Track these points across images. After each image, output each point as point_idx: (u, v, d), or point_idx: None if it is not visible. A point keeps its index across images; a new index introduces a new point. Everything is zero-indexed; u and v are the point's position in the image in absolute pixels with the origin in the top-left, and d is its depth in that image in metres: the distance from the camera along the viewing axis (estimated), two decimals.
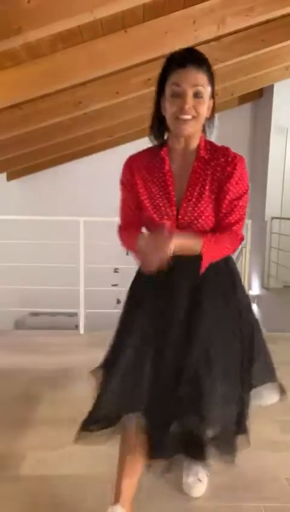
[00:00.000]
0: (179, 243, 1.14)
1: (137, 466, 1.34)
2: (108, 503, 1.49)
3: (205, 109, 1.21)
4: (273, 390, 1.40)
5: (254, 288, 5.98)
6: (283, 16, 3.01)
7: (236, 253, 3.84)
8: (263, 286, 5.75)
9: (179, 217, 1.26)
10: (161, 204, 1.27)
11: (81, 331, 3.47)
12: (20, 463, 1.71)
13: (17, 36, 1.94)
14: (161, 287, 1.32)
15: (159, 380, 1.27)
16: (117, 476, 1.36)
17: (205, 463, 1.28)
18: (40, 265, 4.45)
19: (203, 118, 1.22)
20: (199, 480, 1.55)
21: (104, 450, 1.79)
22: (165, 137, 1.32)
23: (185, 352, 1.26)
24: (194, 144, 1.27)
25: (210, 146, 1.29)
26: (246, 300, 1.40)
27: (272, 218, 5.55)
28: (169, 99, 1.19)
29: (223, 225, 1.26)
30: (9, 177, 5.95)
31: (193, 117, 1.18)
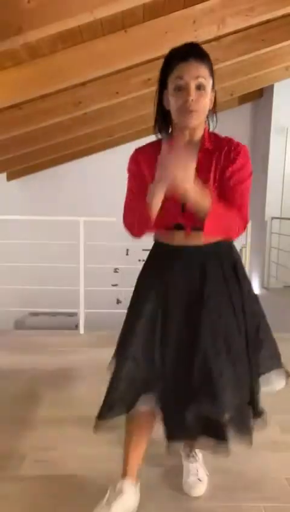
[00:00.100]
0: (196, 188, 1.15)
1: (143, 441, 1.46)
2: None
3: (207, 101, 1.25)
4: (280, 376, 1.43)
5: (254, 288, 5.99)
6: (283, 16, 3.01)
7: None
8: (263, 286, 5.75)
9: (186, 207, 1.28)
10: (167, 194, 1.26)
11: (81, 331, 3.47)
12: (20, 463, 1.71)
13: (17, 36, 1.94)
14: (167, 276, 1.36)
15: (170, 364, 1.32)
16: (124, 453, 1.45)
17: (227, 444, 1.27)
18: (40, 265, 4.45)
19: (206, 109, 1.26)
20: (199, 480, 1.55)
21: (104, 450, 1.80)
22: (170, 130, 1.35)
23: (193, 338, 1.30)
24: (198, 135, 1.30)
25: (214, 137, 1.32)
26: (250, 290, 1.44)
27: (272, 218, 5.55)
28: (172, 92, 1.23)
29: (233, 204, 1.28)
30: (9, 177, 5.95)
31: (197, 109, 1.21)
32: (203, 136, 1.31)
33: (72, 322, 4.65)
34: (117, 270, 5.19)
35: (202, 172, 1.25)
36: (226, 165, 1.28)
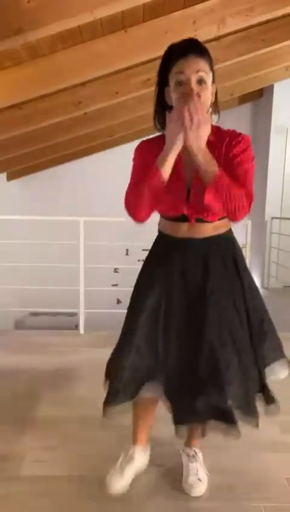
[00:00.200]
0: (206, 151, 1.20)
1: (149, 418, 1.62)
2: (108, 504, 1.49)
3: (209, 94, 1.27)
4: (283, 366, 1.49)
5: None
6: (283, 16, 3.01)
7: None
8: (263, 286, 5.74)
9: (190, 196, 1.32)
10: (173, 185, 1.30)
11: (81, 331, 3.47)
12: (20, 463, 1.71)
13: (17, 36, 1.93)
14: (170, 267, 1.41)
15: (174, 354, 1.38)
16: (133, 426, 1.62)
17: (236, 427, 1.33)
18: (40, 265, 4.45)
19: (208, 103, 1.28)
20: (199, 480, 1.55)
21: (104, 450, 1.80)
22: None
23: (198, 330, 1.35)
24: None
25: (217, 130, 1.34)
26: (251, 283, 1.48)
27: (272, 218, 5.55)
28: (174, 88, 1.26)
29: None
30: (9, 177, 5.95)
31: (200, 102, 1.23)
32: None
33: (72, 322, 4.65)
34: (117, 270, 5.19)
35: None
36: (228, 151, 1.30)
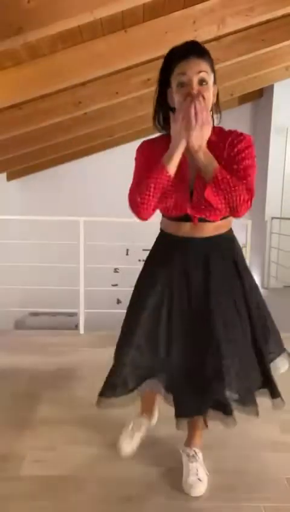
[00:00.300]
0: (206, 149, 1.25)
1: (154, 400, 1.76)
2: (108, 504, 1.49)
3: (210, 95, 1.30)
4: (284, 360, 1.56)
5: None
6: (283, 16, 3.01)
7: None
8: (263, 286, 5.74)
9: (194, 196, 1.35)
10: (177, 185, 1.34)
11: (81, 331, 3.47)
12: (20, 463, 1.71)
13: (17, 36, 1.93)
14: (172, 266, 1.44)
15: (176, 352, 1.43)
16: (141, 401, 1.73)
17: (233, 417, 1.40)
18: (40, 265, 4.45)
19: (210, 103, 1.30)
20: (199, 480, 1.55)
21: (104, 450, 1.80)
22: None
23: (202, 329, 1.39)
24: None
25: (219, 130, 1.38)
26: (252, 282, 1.53)
27: (272, 218, 5.55)
28: (176, 89, 1.29)
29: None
30: (9, 177, 5.94)
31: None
32: None
33: (72, 322, 4.65)
34: (117, 270, 5.19)
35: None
36: (231, 150, 1.34)
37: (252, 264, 5.63)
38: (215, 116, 1.39)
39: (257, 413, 1.44)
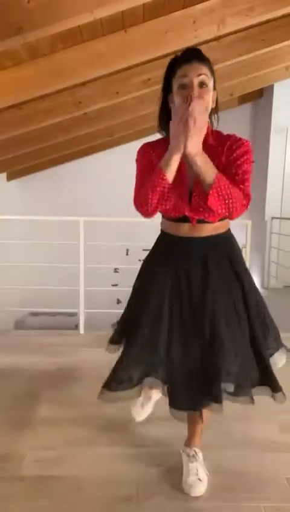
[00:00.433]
0: (204, 155, 1.24)
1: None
2: (108, 504, 1.49)
3: (210, 97, 1.34)
4: (282, 355, 1.60)
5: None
6: (283, 16, 3.01)
7: None
8: (263, 286, 5.74)
9: (193, 198, 1.38)
10: (175, 187, 1.36)
11: (81, 331, 3.47)
12: (20, 463, 1.71)
13: (17, 36, 1.93)
14: (172, 266, 1.47)
15: (177, 351, 1.45)
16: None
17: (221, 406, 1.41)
18: (40, 265, 4.45)
19: (209, 106, 1.35)
20: (199, 480, 1.55)
21: (104, 450, 1.80)
22: None
23: (200, 329, 1.43)
24: None
25: (217, 134, 1.43)
26: (251, 281, 1.55)
27: (272, 218, 5.55)
28: (177, 91, 1.34)
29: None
30: (9, 177, 5.94)
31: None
32: (206, 132, 1.36)
33: (72, 322, 4.65)
34: (117, 270, 5.19)
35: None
36: (229, 154, 1.37)
37: (252, 264, 5.63)
38: (213, 120, 1.43)
39: (252, 401, 1.47)
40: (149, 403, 1.84)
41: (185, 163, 1.35)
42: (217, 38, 3.07)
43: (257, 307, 1.54)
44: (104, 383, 1.50)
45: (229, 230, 1.54)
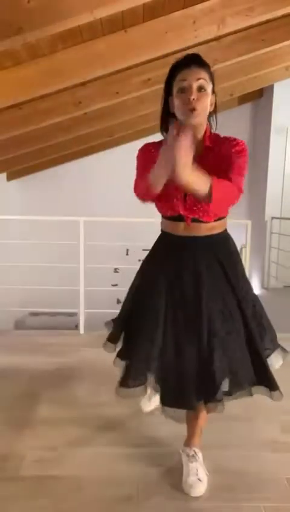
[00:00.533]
0: (195, 171, 1.21)
1: None
2: (108, 504, 1.49)
3: (208, 101, 1.38)
4: (278, 355, 1.60)
5: (254, 288, 5.99)
6: (283, 16, 3.01)
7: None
8: (263, 286, 5.74)
9: (187, 197, 1.41)
10: (171, 186, 1.36)
11: (81, 331, 3.47)
12: (20, 463, 1.71)
13: (17, 36, 1.94)
14: (170, 264, 1.50)
15: (171, 349, 1.47)
16: None
17: (219, 403, 1.43)
18: (40, 265, 4.45)
19: (207, 109, 1.39)
20: (199, 480, 1.55)
21: (104, 450, 1.80)
22: None
23: (194, 324, 1.45)
24: (200, 134, 1.43)
25: (215, 136, 1.47)
26: (246, 280, 1.59)
27: (272, 218, 5.55)
28: (177, 95, 1.38)
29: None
30: (9, 177, 5.94)
31: (198, 108, 1.34)
32: (204, 134, 1.44)
33: (72, 322, 4.65)
34: (117, 270, 5.18)
35: (201, 168, 1.34)
36: (225, 152, 1.40)
37: (252, 264, 5.63)
38: (212, 122, 1.47)
39: (250, 394, 1.50)
40: (156, 396, 1.84)
41: None
42: (217, 38, 3.08)
43: (254, 307, 1.55)
44: (120, 381, 1.53)
45: (225, 230, 1.56)
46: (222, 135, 1.47)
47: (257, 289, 5.93)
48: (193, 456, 1.62)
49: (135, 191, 1.46)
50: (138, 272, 1.67)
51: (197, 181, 1.22)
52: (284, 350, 1.64)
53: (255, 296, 1.61)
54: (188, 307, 1.47)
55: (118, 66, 2.84)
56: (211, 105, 1.41)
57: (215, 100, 1.45)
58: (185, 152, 1.14)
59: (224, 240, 1.56)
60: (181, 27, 2.55)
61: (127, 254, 5.29)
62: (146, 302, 1.54)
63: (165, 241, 1.58)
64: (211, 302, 1.45)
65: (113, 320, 1.75)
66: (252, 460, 1.74)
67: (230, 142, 1.43)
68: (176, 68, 1.39)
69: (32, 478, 1.63)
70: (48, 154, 5.20)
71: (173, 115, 1.43)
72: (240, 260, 1.62)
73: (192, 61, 1.37)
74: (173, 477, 1.61)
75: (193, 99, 1.33)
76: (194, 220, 1.45)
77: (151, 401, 1.80)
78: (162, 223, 1.59)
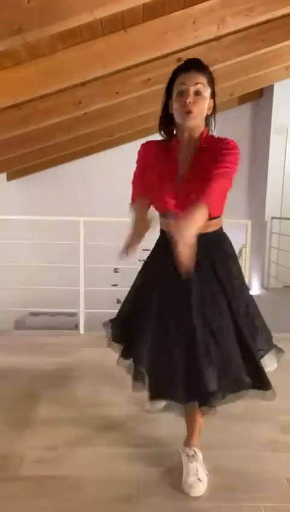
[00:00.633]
0: (192, 221, 1.25)
1: None
2: (108, 503, 1.49)
3: (204, 105, 1.43)
4: (272, 357, 1.63)
5: (254, 288, 5.98)
6: (283, 16, 3.01)
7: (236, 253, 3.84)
8: (263, 286, 5.74)
9: (179, 195, 1.47)
10: (165, 182, 1.49)
11: (81, 331, 3.47)
12: (20, 463, 1.71)
13: (17, 36, 1.94)
14: (165, 262, 1.52)
15: (159, 342, 1.52)
16: None
17: (211, 407, 1.46)
18: (40, 265, 4.45)
19: (203, 113, 1.45)
20: (198, 480, 1.55)
21: (104, 450, 1.80)
22: (175, 132, 1.55)
23: (185, 319, 1.48)
24: (196, 136, 1.49)
25: (210, 138, 1.51)
26: (241, 279, 1.61)
27: (272, 218, 5.55)
28: (175, 98, 1.44)
29: (212, 174, 1.39)
30: (9, 177, 5.95)
31: (193, 111, 1.40)
32: (200, 136, 1.49)
33: (72, 322, 4.65)
34: (117, 270, 5.18)
35: (195, 169, 1.46)
36: (217, 153, 1.43)
37: (252, 264, 5.63)
38: (210, 125, 1.52)
39: (242, 397, 1.51)
40: None
41: (174, 166, 1.49)
42: (217, 38, 3.08)
43: (247, 307, 1.57)
44: (152, 394, 1.56)
45: (220, 229, 1.59)
46: (218, 136, 1.51)
47: (257, 289, 5.93)
48: (192, 456, 1.62)
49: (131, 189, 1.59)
50: (140, 271, 1.70)
51: (199, 225, 1.27)
52: (279, 350, 1.65)
53: (250, 296, 1.63)
54: (178, 306, 1.50)
55: (118, 66, 2.84)
56: (209, 108, 1.46)
57: (215, 103, 1.50)
58: (189, 247, 1.23)
59: (219, 238, 1.58)
60: (181, 27, 2.55)
61: (127, 254, 5.28)
62: (146, 302, 1.57)
63: (163, 240, 1.61)
64: (201, 301, 1.48)
65: (111, 320, 1.76)
66: (252, 460, 1.74)
67: (222, 142, 1.47)
68: (177, 72, 1.44)
69: (32, 478, 1.62)
70: (48, 154, 5.20)
71: (172, 117, 1.48)
72: (236, 260, 1.63)
73: (192, 65, 1.42)
74: (173, 477, 1.61)
75: (190, 102, 1.39)
76: None
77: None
78: (161, 223, 1.61)
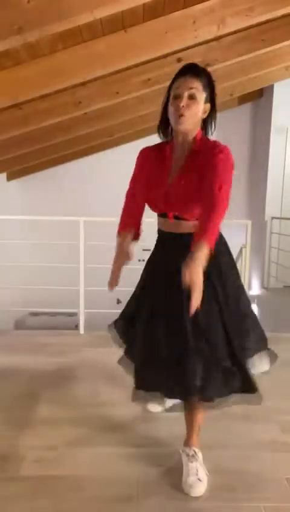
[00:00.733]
0: (200, 267, 1.30)
1: None
2: (108, 504, 1.49)
3: (198, 109, 1.46)
4: (264, 360, 1.62)
5: (254, 288, 5.98)
6: (283, 16, 3.01)
7: (236, 253, 3.84)
8: (263, 286, 5.74)
9: (169, 195, 1.50)
10: (156, 183, 1.54)
11: (81, 331, 3.47)
12: (20, 463, 1.71)
13: (17, 36, 1.94)
14: (161, 260, 1.61)
15: (153, 340, 1.55)
16: None
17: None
18: (40, 265, 4.45)
19: (197, 116, 1.47)
20: (198, 480, 1.55)
21: (104, 451, 1.80)
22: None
23: (175, 319, 1.50)
24: (189, 138, 1.51)
25: (204, 141, 1.53)
26: (233, 279, 1.61)
27: (272, 218, 5.55)
28: (171, 102, 1.47)
29: (208, 195, 1.40)
30: (9, 177, 5.95)
31: (186, 114, 1.42)
32: (194, 139, 1.51)
33: (72, 322, 4.65)
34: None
35: (187, 171, 1.49)
36: (209, 161, 1.44)
37: (252, 264, 5.63)
38: (209, 128, 1.55)
39: (230, 404, 1.52)
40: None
41: (167, 167, 1.53)
42: (217, 38, 3.07)
43: (238, 307, 1.57)
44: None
45: None
46: (213, 140, 1.52)
47: (257, 289, 5.93)
48: (192, 456, 1.62)
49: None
50: (143, 271, 1.74)
51: (203, 261, 1.31)
52: (272, 354, 1.64)
53: (244, 296, 1.63)
54: (170, 305, 1.53)
55: (118, 66, 2.84)
56: (204, 112, 1.48)
57: (215, 107, 1.52)
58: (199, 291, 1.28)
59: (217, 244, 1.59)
60: (181, 27, 2.55)
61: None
62: (146, 302, 1.61)
63: (159, 239, 1.66)
64: (187, 301, 1.48)
65: (115, 322, 1.77)
66: (252, 460, 1.74)
67: (214, 146, 1.47)
68: (175, 76, 1.48)
69: (32, 478, 1.63)
70: (48, 154, 5.20)
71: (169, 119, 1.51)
72: (230, 259, 1.63)
73: (188, 70, 1.45)
74: (173, 477, 1.61)
75: (182, 106, 1.42)
76: (177, 218, 1.52)
77: (160, 405, 1.82)
78: (157, 222, 1.66)
